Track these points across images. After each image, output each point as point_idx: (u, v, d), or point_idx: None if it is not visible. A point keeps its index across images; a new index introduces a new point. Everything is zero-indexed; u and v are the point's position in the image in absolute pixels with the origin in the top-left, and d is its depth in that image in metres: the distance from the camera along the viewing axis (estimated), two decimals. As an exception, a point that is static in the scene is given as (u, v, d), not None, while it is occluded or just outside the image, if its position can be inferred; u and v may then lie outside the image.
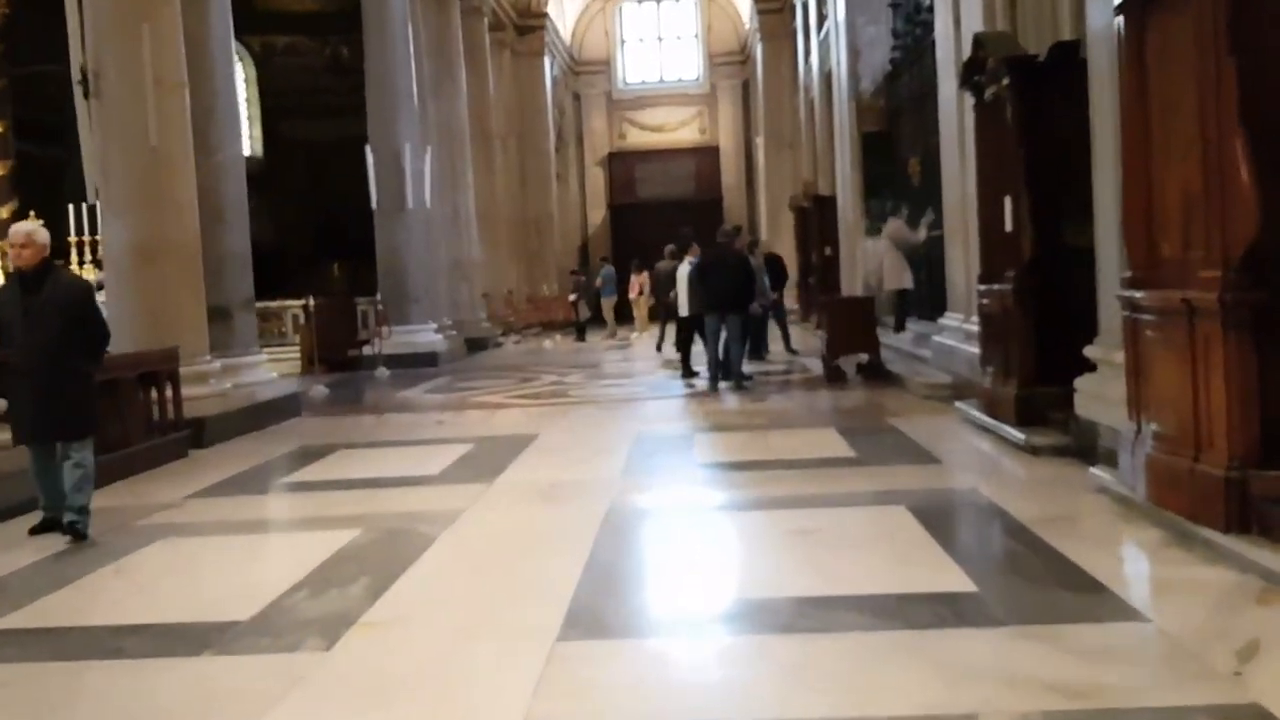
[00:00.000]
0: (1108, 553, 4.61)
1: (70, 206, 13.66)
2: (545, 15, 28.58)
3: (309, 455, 8.50)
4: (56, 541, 5.60)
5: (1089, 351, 6.39)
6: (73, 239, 14.01)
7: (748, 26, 31.85)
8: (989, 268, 7.95)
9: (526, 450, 8.00)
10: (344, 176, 18.61)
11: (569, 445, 8.34)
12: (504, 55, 26.36)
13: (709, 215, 32.41)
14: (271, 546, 5.96)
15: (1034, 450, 6.81)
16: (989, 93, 7.71)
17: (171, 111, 9.24)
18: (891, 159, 16.25)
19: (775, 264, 14.19)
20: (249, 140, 28.86)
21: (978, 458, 7.02)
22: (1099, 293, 6.33)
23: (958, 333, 9.99)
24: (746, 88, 33.46)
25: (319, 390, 13.75)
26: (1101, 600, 3.90)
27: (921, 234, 12.52)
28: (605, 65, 34.19)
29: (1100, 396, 6.07)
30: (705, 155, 34.04)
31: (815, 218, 20.10)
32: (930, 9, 13.61)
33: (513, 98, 27.01)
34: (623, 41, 34.44)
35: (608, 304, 22.54)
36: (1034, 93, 7.19)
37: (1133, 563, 4.62)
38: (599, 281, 22.87)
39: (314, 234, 26.11)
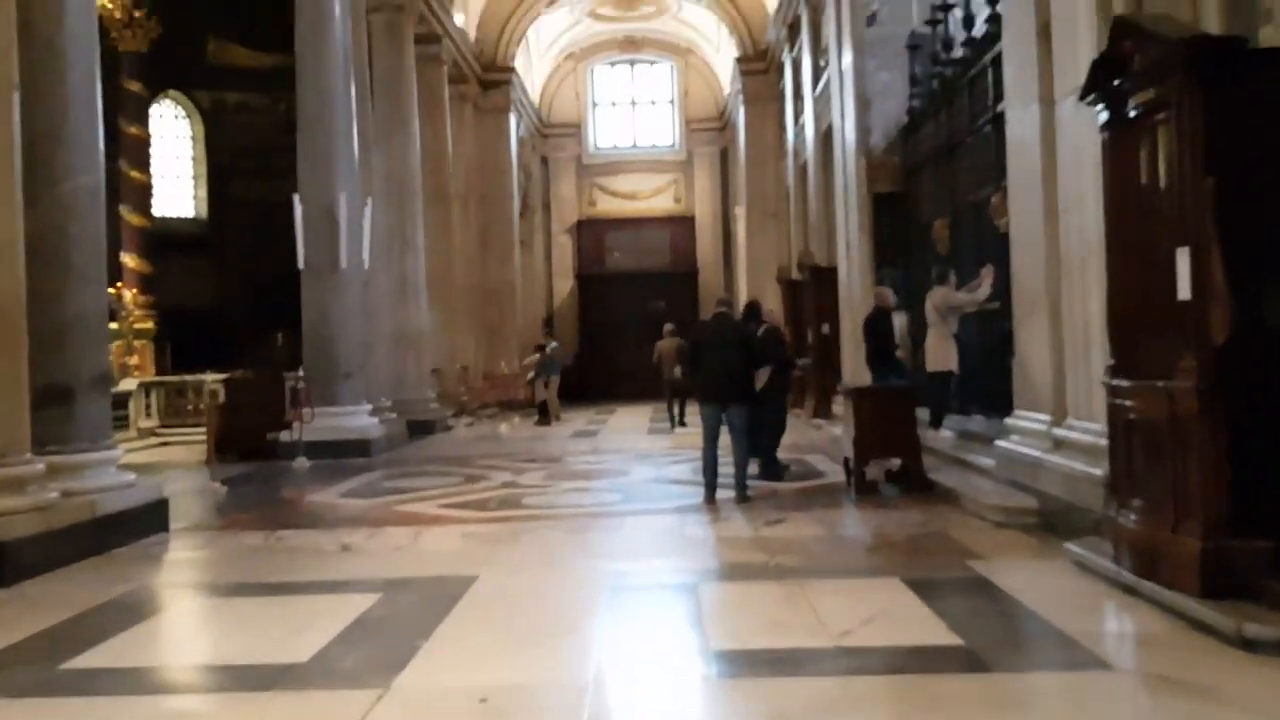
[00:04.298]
0: None
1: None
2: (512, 70, 26.42)
3: (135, 608, 5.82)
4: None
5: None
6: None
7: (727, 91, 29.94)
8: (1135, 355, 5.49)
9: (453, 613, 5.36)
10: (294, 240, 16.46)
11: (515, 604, 5.68)
12: (466, 110, 24.11)
13: (683, 288, 30.30)
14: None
15: (1247, 644, 4.31)
16: (1136, 101, 5.32)
17: (-20, 117, 6.69)
18: (908, 222, 13.98)
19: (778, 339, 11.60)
20: (193, 201, 26.85)
21: (1161, 654, 4.46)
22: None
23: (1041, 439, 7.50)
24: (724, 155, 31.45)
25: (213, 489, 11.08)
26: None
27: (985, 290, 10.10)
28: (576, 128, 32.07)
29: None
30: (680, 225, 31.87)
31: (810, 291, 17.74)
32: (967, 46, 11.48)
33: (474, 156, 24.69)
34: (594, 104, 32.39)
35: (553, 384, 19.87)
36: (1231, 97, 4.81)
37: None
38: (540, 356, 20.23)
39: (258, 301, 23.80)
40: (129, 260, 21.02)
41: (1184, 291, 4.99)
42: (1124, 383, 5.53)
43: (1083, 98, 5.83)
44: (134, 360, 19.70)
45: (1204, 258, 4.84)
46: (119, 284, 19.91)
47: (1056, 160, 7.23)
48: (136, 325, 20.18)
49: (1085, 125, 6.40)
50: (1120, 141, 5.58)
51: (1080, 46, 6.64)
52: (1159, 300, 5.22)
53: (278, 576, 6.65)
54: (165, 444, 17.47)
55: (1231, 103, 4.84)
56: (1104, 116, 5.64)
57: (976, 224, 11.10)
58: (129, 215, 21.14)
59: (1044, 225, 7.49)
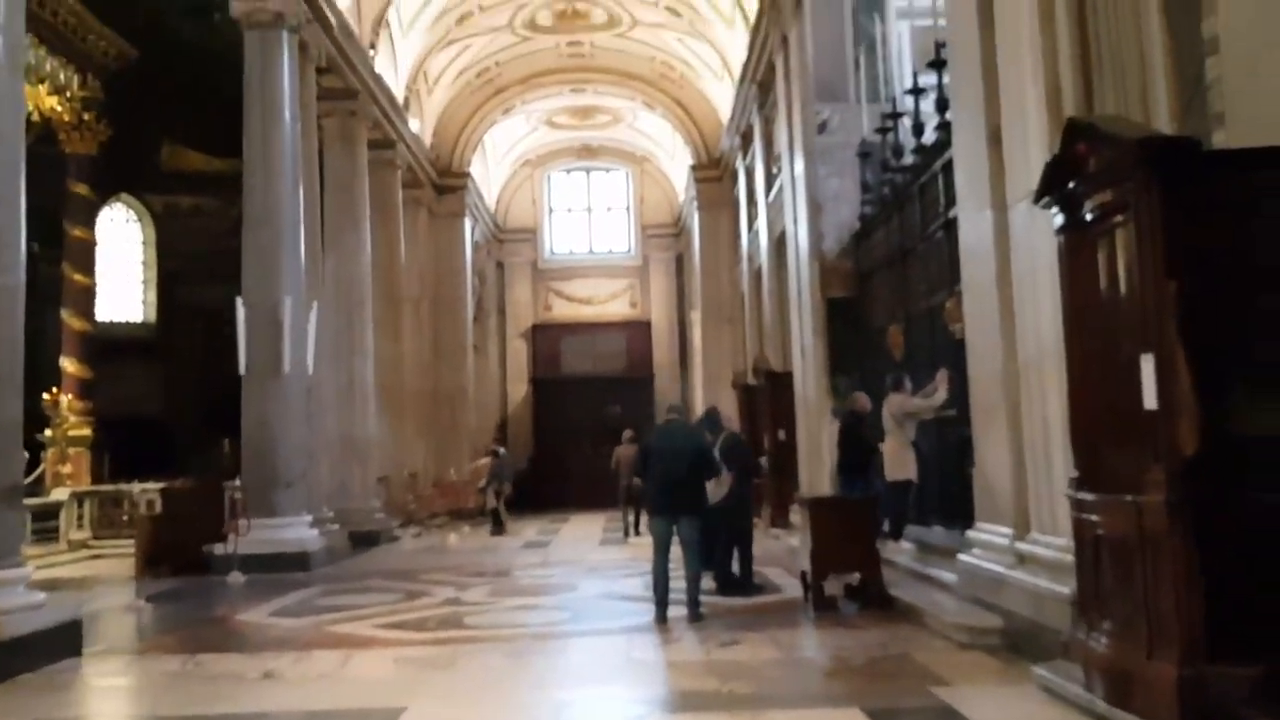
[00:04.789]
0: None
1: None
2: (468, 175, 26.46)
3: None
4: None
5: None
6: None
7: (682, 198, 30.21)
8: (1099, 466, 5.23)
9: (374, 753, 4.90)
10: (243, 345, 16.11)
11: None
12: (420, 214, 24.02)
13: (639, 393, 30.05)
14: None
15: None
16: (1092, 204, 5.17)
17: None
18: (863, 327, 13.85)
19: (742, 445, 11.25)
20: (142, 305, 26.39)
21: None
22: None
23: (1004, 554, 7.19)
24: (680, 261, 31.58)
25: (137, 608, 10.48)
26: None
27: (941, 395, 9.88)
28: (532, 233, 32.14)
29: None
30: (636, 330, 31.78)
31: (766, 397, 17.51)
32: (917, 153, 11.51)
33: (428, 260, 24.52)
34: (551, 210, 32.54)
35: (504, 491, 19.39)
36: (1189, 199, 4.65)
37: None
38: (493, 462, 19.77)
39: (206, 407, 23.26)
40: (68, 365, 20.41)
41: (1149, 401, 4.75)
42: (1089, 496, 5.26)
43: (1037, 201, 5.68)
44: (67, 469, 18.95)
45: (1169, 365, 4.62)
46: (55, 390, 19.28)
47: (1011, 264, 7.08)
48: (72, 432, 19.48)
49: (1039, 229, 6.27)
50: (1077, 245, 5.41)
51: (1032, 150, 6.54)
52: (1122, 409, 4.99)
53: (191, 708, 6.12)
54: (96, 557, 16.69)
55: (1190, 205, 4.68)
56: (1059, 220, 5.48)
57: (931, 329, 10.96)
58: (70, 319, 20.60)
59: (1000, 330, 7.30)
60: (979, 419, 7.95)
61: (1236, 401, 4.64)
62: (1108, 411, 5.18)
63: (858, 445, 10.72)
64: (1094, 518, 5.25)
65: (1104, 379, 5.24)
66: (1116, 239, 5.05)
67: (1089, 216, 5.24)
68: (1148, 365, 4.74)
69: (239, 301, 13.82)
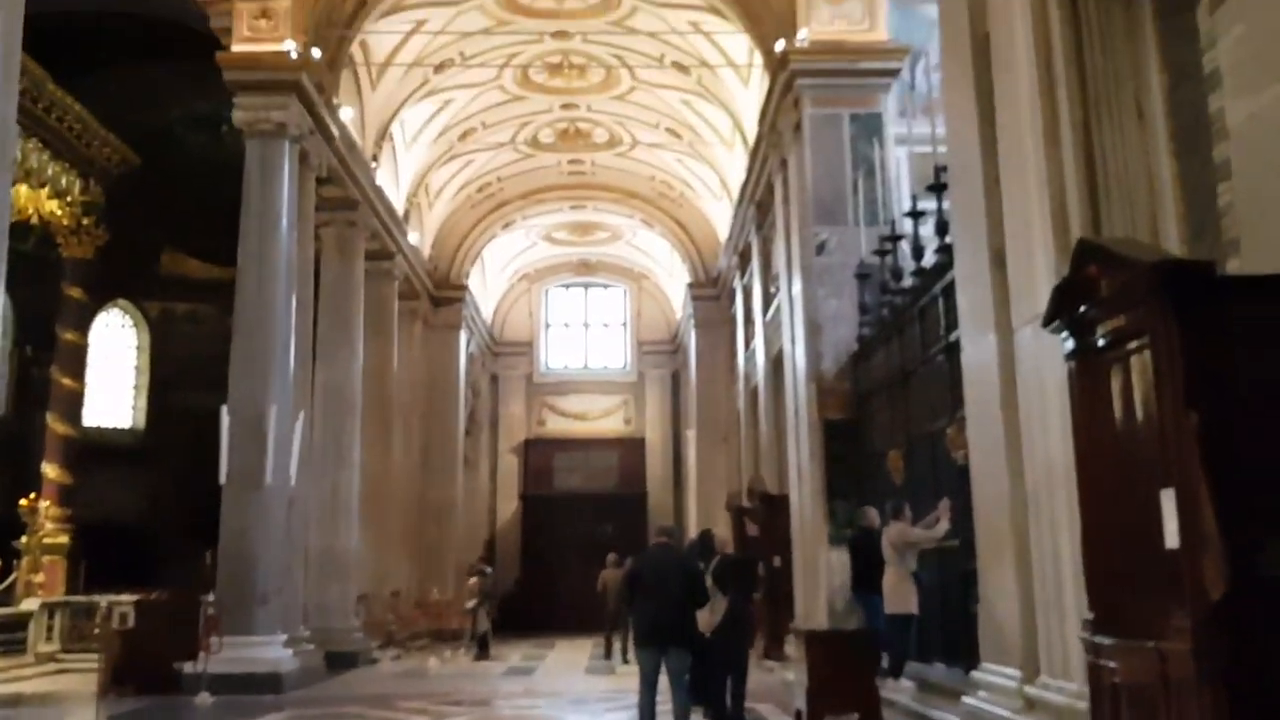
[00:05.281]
0: None
1: None
2: (465, 288, 26.50)
3: None
4: None
5: None
6: None
7: (679, 315, 30.24)
8: (1116, 608, 4.88)
9: None
10: (230, 453, 15.78)
11: None
12: (415, 325, 23.93)
13: (632, 512, 29.51)
14: None
15: None
16: (1105, 329, 4.93)
17: None
18: (861, 451, 13.56)
19: (745, 569, 10.79)
20: (131, 411, 26.09)
21: None
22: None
23: (1012, 698, 6.75)
24: (676, 378, 31.43)
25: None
26: None
27: (943, 526, 9.54)
28: (527, 347, 32.08)
29: None
30: (630, 447, 31.44)
31: (761, 520, 17.10)
32: (917, 276, 11.41)
33: (421, 371, 24.34)
34: (547, 325, 32.55)
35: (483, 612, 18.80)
36: (1207, 325, 4.42)
37: None
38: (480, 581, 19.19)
39: (190, 517, 22.82)
40: (49, 470, 20.02)
41: (1171, 539, 4.43)
42: (1106, 640, 4.89)
43: (1046, 324, 5.44)
44: (40, 578, 18.39)
45: (1192, 500, 4.31)
46: (33, 495, 18.86)
47: (1016, 388, 6.83)
48: (47, 540, 18.97)
49: (1046, 353, 6.04)
50: (1088, 371, 5.16)
51: (1038, 273, 6.36)
52: (1141, 546, 4.66)
53: None
54: (64, 671, 16.04)
55: (1209, 331, 4.43)
56: (1069, 345, 5.24)
57: (932, 455, 10.67)
58: (55, 424, 20.29)
59: (1006, 457, 7.01)
60: (984, 551, 7.60)
61: (1266, 539, 4.33)
62: (1125, 549, 4.85)
63: (870, 560, 10.39)
64: (1111, 663, 4.87)
65: (1120, 513, 4.92)
66: (1132, 365, 4.79)
67: (1101, 342, 5.00)
68: (1169, 500, 4.44)
69: (224, 410, 13.55)
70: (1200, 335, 4.42)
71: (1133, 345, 4.75)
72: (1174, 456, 4.40)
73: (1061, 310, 5.26)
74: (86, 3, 17.18)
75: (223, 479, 13.39)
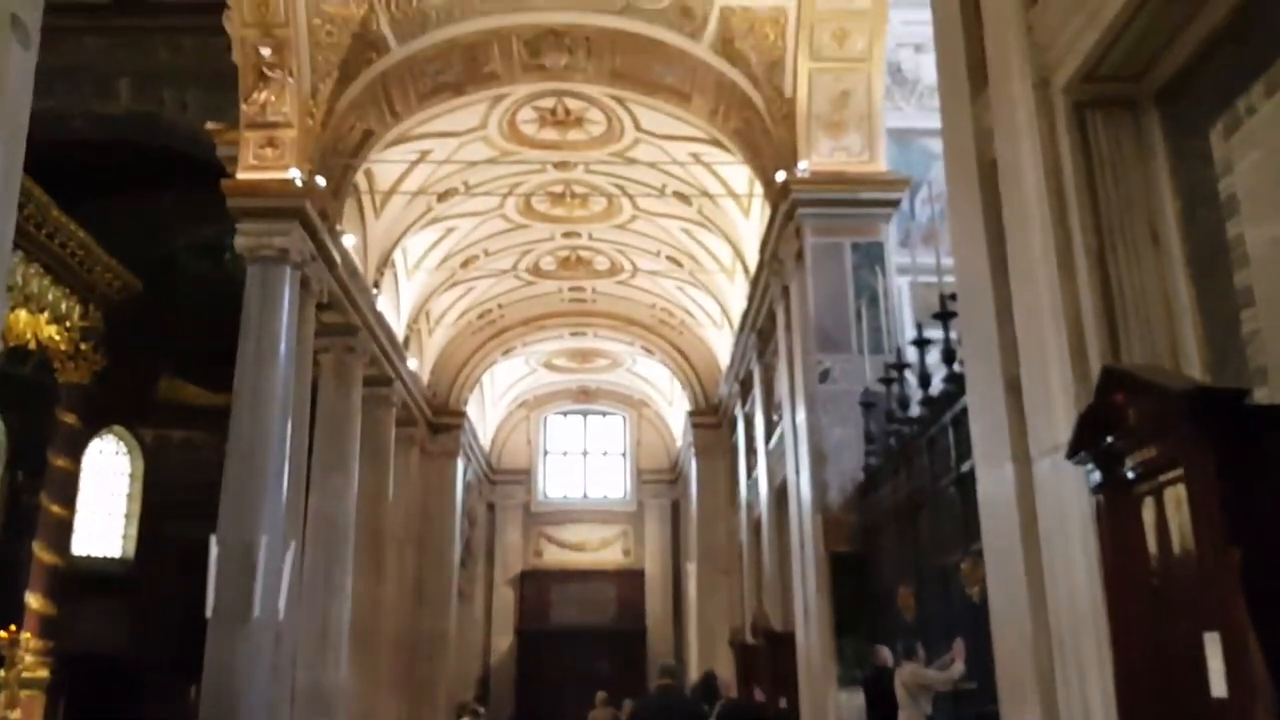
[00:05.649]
0: None
1: None
2: (463, 414, 26.30)
3: None
4: None
5: None
6: None
7: (679, 443, 29.98)
8: (1160, 762, 4.52)
9: None
10: (221, 585, 15.36)
11: None
12: (412, 452, 23.64)
13: (630, 647, 28.76)
14: None
15: None
16: (1134, 460, 4.69)
17: None
18: (869, 586, 13.13)
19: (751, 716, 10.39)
20: (121, 540, 25.57)
21: None
22: None
23: None
24: (676, 508, 30.99)
25: None
26: None
27: (959, 667, 9.10)
28: (525, 475, 31.74)
29: None
30: (629, 579, 30.82)
31: (766, 659, 16.50)
32: (924, 405, 11.21)
33: (417, 499, 23.95)
34: (546, 452, 32.28)
35: None
36: (1243, 455, 4.18)
37: None
38: None
39: (178, 650, 22.18)
40: (33, 601, 19.43)
41: (1217, 687, 4.10)
42: (1148, 798, 4.52)
43: (1070, 455, 5.20)
44: (15, 715, 17.66)
45: (1239, 645, 4.00)
46: (14, 627, 18.27)
47: (1038, 522, 6.53)
48: (26, 674, 18.29)
49: (1069, 484, 5.75)
50: (1117, 505, 4.89)
51: (1056, 401, 6.13)
52: (1182, 695, 4.32)
53: None
54: (32, 817, 15.28)
55: (1247, 463, 4.20)
56: (1096, 477, 4.98)
57: (945, 591, 10.28)
58: (41, 552, 19.79)
59: (1027, 595, 6.64)
60: (1006, 696, 7.15)
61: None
62: (1164, 697, 4.51)
63: (884, 700, 9.93)
64: (1156, 825, 4.49)
65: (1156, 659, 4.59)
66: (1165, 499, 4.54)
67: (1131, 474, 4.74)
68: (1213, 645, 4.12)
69: (213, 539, 13.19)
70: (1238, 467, 4.19)
71: (1165, 477, 4.50)
72: (1217, 597, 4.10)
73: (1086, 441, 5.02)
74: (97, 132, 17.43)
75: (209, 612, 12.95)
